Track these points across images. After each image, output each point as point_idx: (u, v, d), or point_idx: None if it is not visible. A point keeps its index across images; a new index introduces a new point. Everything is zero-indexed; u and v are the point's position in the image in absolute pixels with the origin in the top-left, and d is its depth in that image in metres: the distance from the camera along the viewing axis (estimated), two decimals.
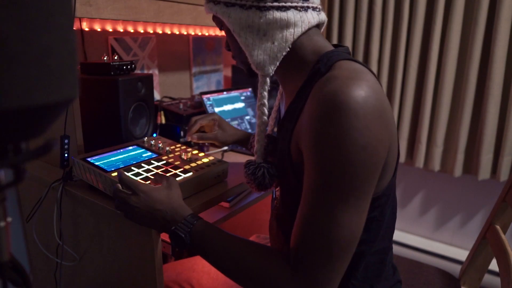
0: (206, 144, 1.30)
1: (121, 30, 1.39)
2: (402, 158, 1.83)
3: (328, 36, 1.93)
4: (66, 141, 0.92)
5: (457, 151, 1.67)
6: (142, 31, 1.48)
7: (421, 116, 1.74)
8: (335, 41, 1.92)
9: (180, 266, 1.03)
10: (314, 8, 0.69)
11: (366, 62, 1.86)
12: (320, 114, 0.56)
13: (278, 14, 0.65)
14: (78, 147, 0.98)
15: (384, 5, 1.76)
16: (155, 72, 1.58)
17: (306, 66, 0.68)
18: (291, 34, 0.66)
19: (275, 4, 0.65)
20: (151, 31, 1.52)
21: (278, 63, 0.69)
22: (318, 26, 0.72)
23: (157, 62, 1.58)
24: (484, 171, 1.62)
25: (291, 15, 0.66)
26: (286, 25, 0.66)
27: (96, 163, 0.88)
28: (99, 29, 1.32)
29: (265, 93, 0.72)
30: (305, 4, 0.67)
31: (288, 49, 0.68)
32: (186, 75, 1.74)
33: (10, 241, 0.37)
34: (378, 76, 1.83)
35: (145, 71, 1.53)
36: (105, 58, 1.09)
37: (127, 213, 0.74)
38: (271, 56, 0.68)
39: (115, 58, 1.11)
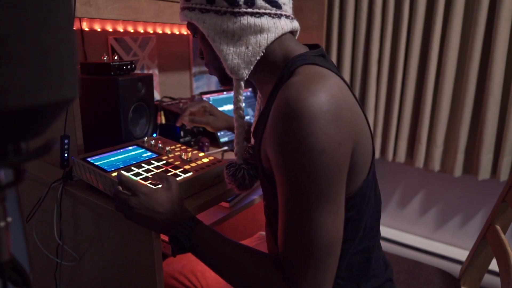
0: (206, 144, 1.30)
1: (121, 30, 1.39)
2: (402, 158, 1.83)
3: (328, 36, 1.93)
4: (66, 141, 0.92)
5: (457, 151, 1.67)
6: (142, 31, 1.48)
7: (421, 116, 1.74)
8: (335, 41, 1.91)
9: (185, 258, 1.04)
10: (287, 16, 0.71)
11: (366, 62, 1.86)
12: (277, 122, 0.58)
13: (252, 20, 0.67)
14: (78, 147, 0.98)
15: (384, 5, 1.76)
16: (155, 72, 1.58)
17: (276, 71, 0.70)
18: (264, 39, 0.68)
19: (249, 10, 0.66)
20: (151, 31, 1.52)
21: (252, 67, 0.70)
22: (292, 33, 0.74)
23: (157, 62, 1.58)
24: (484, 171, 1.62)
25: (264, 21, 0.67)
26: (260, 30, 0.67)
27: (96, 163, 0.88)
28: (99, 29, 1.32)
29: (241, 97, 0.74)
30: (279, 12, 0.69)
31: (262, 54, 0.69)
32: (186, 75, 1.74)
33: (10, 241, 0.37)
34: (378, 76, 1.83)
35: (145, 71, 1.53)
36: (105, 58, 1.09)
37: (127, 214, 0.74)
38: (245, 60, 0.69)
39: (115, 58, 1.11)
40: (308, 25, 1.79)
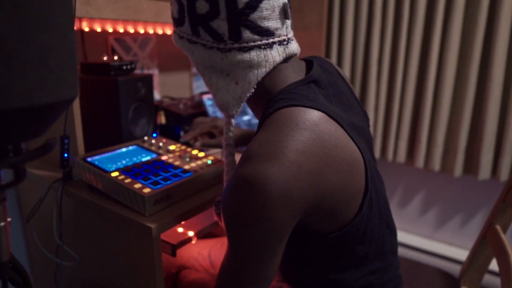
0: None
1: (121, 30, 1.39)
2: (402, 158, 1.83)
3: (328, 36, 1.93)
4: (66, 141, 0.92)
5: (457, 151, 1.67)
6: (142, 31, 1.48)
7: (421, 116, 1.74)
8: (335, 41, 1.91)
9: (204, 243, 1.08)
10: (280, 42, 0.64)
11: (366, 62, 1.86)
12: (231, 184, 0.58)
13: (240, 56, 0.62)
14: (78, 147, 0.98)
15: (384, 5, 1.76)
16: (155, 72, 1.58)
17: (263, 103, 0.67)
18: (254, 75, 0.64)
19: (236, 45, 0.62)
20: (151, 31, 1.52)
21: (242, 104, 0.67)
22: (286, 59, 0.67)
23: (157, 62, 1.58)
24: (484, 171, 1.62)
25: (254, 55, 0.62)
26: (249, 66, 0.63)
27: (96, 163, 0.88)
28: (99, 29, 1.32)
29: (231, 134, 0.70)
30: (270, 40, 0.63)
31: (253, 90, 0.65)
32: (186, 75, 1.74)
33: (10, 241, 0.37)
34: (378, 76, 1.83)
35: (145, 71, 1.53)
36: (105, 58, 1.10)
37: None
38: (234, 97, 0.66)
39: (115, 58, 1.11)
40: (308, 25, 1.79)
